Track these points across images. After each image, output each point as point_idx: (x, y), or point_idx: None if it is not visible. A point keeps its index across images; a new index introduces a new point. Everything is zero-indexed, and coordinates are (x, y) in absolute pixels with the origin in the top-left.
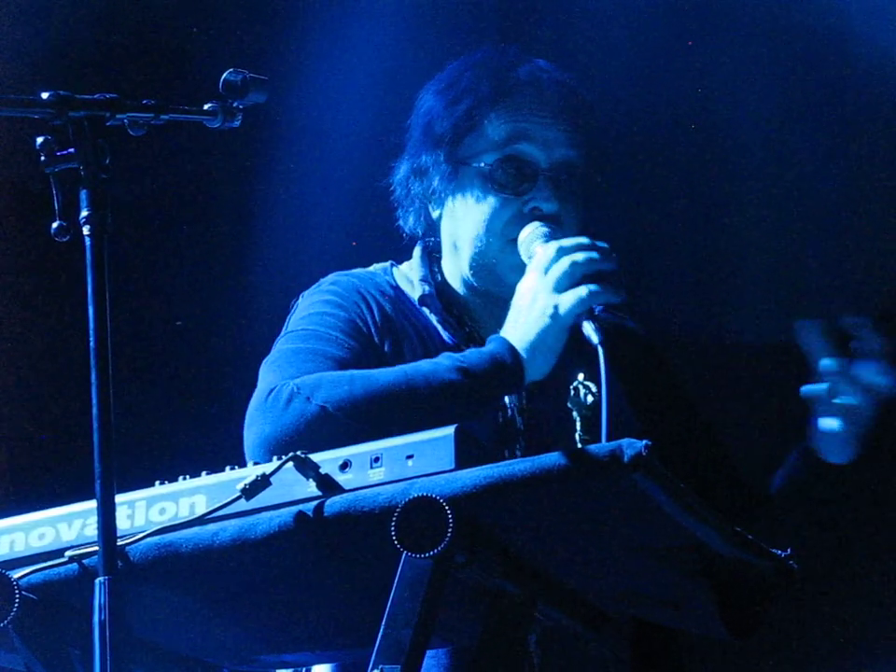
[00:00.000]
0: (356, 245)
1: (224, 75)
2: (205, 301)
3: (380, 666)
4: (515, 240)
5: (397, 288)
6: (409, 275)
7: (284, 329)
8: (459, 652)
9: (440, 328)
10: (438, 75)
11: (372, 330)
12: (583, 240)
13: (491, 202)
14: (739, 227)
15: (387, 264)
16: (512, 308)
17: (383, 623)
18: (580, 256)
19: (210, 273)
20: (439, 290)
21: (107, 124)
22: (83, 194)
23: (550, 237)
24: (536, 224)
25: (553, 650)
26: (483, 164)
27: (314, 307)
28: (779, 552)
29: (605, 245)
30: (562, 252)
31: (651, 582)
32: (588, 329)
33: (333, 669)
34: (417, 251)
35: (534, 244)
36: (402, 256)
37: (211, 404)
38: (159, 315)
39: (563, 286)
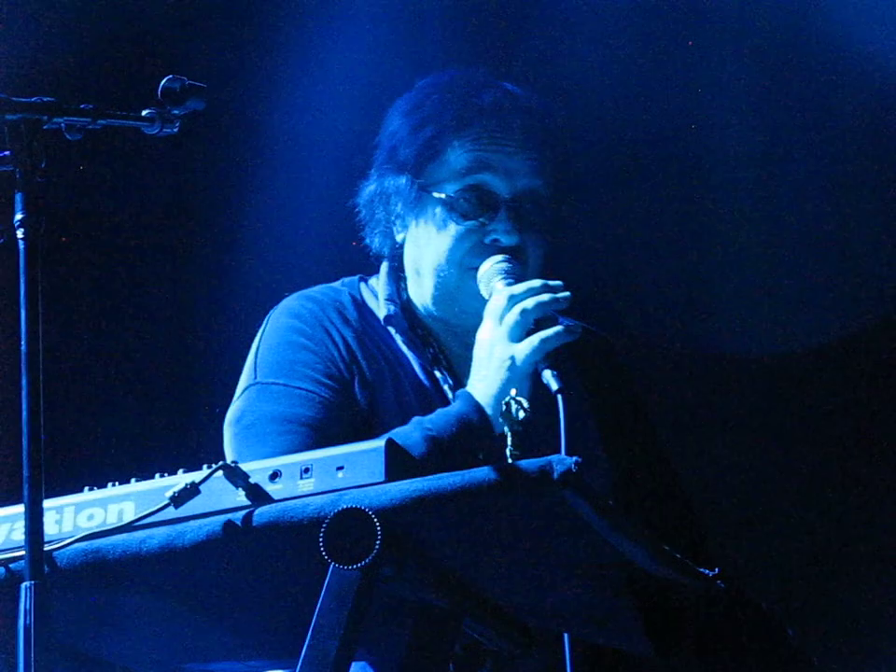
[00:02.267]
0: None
1: (163, 81)
2: (144, 308)
3: None
4: (475, 269)
5: (363, 306)
6: (377, 290)
7: (252, 369)
8: (385, 665)
9: (404, 348)
10: (407, 93)
11: (342, 367)
12: (534, 284)
13: (452, 231)
14: (729, 237)
15: (355, 278)
16: (474, 359)
17: (308, 633)
18: (529, 303)
19: (154, 279)
20: (404, 309)
21: (44, 127)
22: (18, 197)
23: (509, 273)
24: (495, 259)
25: None
26: (444, 194)
27: (281, 350)
28: (707, 571)
29: (558, 283)
30: (513, 301)
31: (577, 599)
32: (547, 376)
33: None
34: (384, 268)
35: (493, 279)
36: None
37: (144, 411)
38: (90, 321)
39: (516, 335)
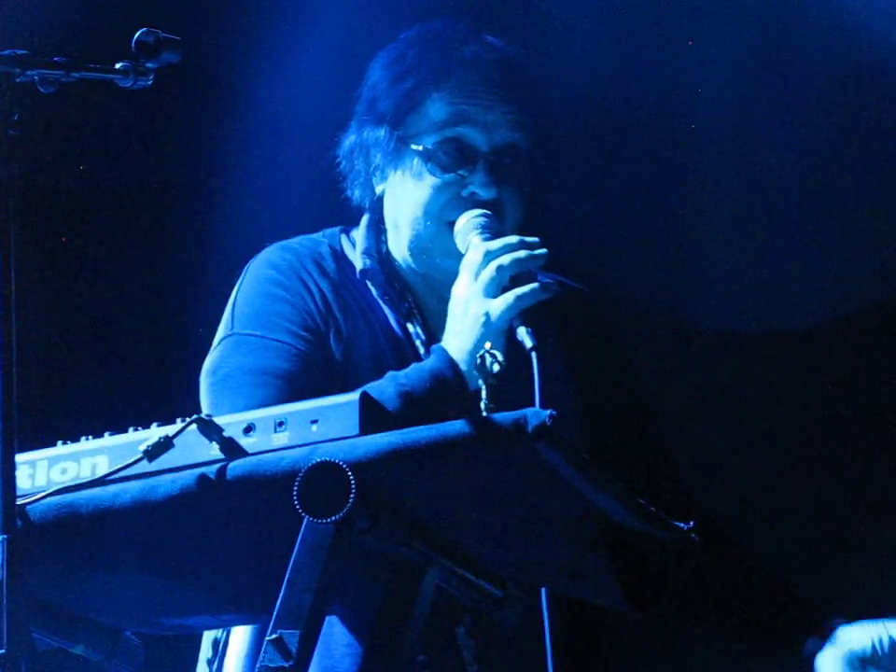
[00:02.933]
0: None
1: (136, 34)
2: (115, 268)
3: (279, 631)
4: (452, 224)
5: (342, 258)
6: (357, 242)
7: (229, 319)
8: (359, 618)
9: (380, 302)
10: (389, 45)
11: (318, 320)
12: (511, 240)
13: (429, 184)
14: (711, 212)
15: (336, 230)
16: (449, 315)
17: (283, 587)
18: (506, 259)
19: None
20: (382, 262)
21: (17, 80)
22: None
23: (485, 228)
24: (472, 213)
25: (484, 640)
26: (422, 146)
27: (258, 300)
28: (682, 524)
29: (535, 240)
30: (489, 256)
31: (553, 552)
32: (521, 333)
33: (253, 633)
34: (364, 220)
35: (470, 234)
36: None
37: (117, 364)
38: (63, 272)
39: (491, 291)
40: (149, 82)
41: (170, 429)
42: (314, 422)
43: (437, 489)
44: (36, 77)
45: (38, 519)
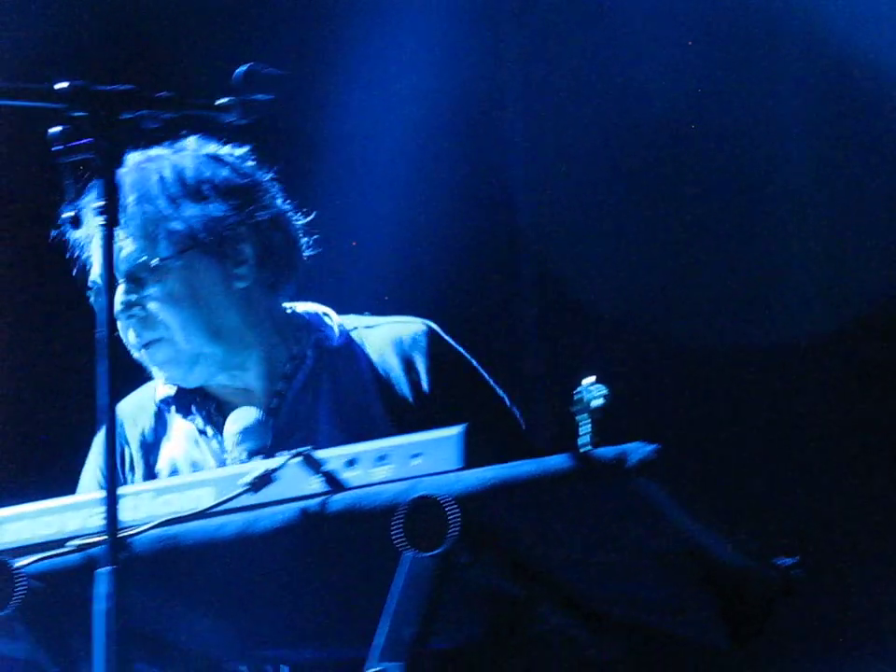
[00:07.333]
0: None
1: (240, 69)
2: None
3: (382, 664)
4: None
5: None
6: None
7: None
8: (460, 652)
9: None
10: None
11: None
12: None
13: None
14: (730, 230)
15: None
16: None
17: (384, 620)
18: None
19: None
20: None
21: (123, 116)
22: (98, 184)
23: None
24: None
25: None
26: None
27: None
28: (785, 560)
29: None
30: None
31: (653, 588)
32: None
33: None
34: None
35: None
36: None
37: None
38: None
39: None
40: (253, 118)
41: (272, 463)
42: (416, 455)
43: (538, 523)
44: (142, 114)
45: (141, 551)
